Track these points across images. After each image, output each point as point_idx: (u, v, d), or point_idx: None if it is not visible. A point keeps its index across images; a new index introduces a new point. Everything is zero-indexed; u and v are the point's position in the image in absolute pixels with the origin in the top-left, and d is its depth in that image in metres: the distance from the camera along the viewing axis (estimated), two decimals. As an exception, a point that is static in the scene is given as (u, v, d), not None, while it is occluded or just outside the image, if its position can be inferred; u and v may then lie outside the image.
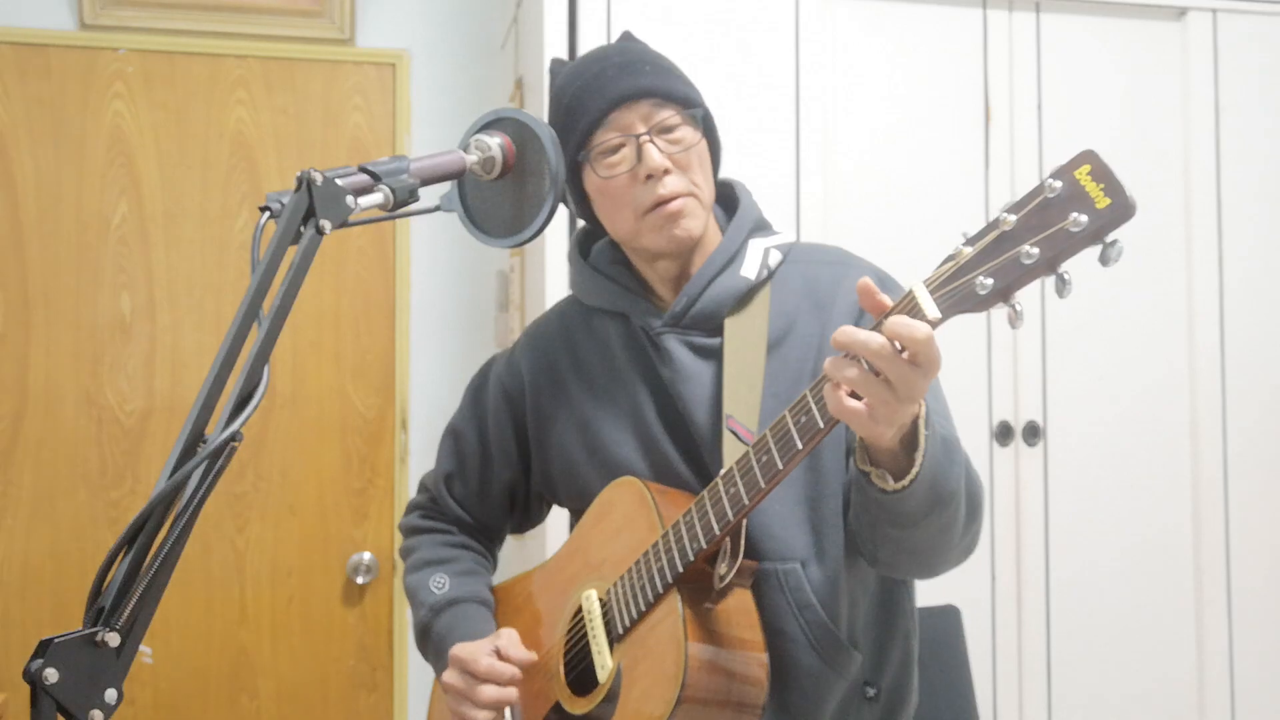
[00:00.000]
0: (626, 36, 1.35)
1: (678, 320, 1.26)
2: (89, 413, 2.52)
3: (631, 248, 1.30)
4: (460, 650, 1.26)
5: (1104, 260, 0.84)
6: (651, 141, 1.21)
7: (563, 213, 1.99)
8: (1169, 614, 2.28)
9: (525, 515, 1.48)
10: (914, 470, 1.00)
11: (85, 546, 2.50)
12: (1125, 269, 2.27)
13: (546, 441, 1.37)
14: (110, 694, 0.73)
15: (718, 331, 1.25)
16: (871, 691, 1.23)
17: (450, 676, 1.26)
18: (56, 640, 0.71)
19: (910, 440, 1.01)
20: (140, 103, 2.57)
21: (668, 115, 1.23)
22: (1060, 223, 0.84)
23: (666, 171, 1.22)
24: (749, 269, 1.26)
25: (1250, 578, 2.30)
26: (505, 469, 1.42)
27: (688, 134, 1.24)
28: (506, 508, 1.46)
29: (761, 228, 1.31)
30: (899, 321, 0.89)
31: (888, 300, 0.94)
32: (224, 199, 2.60)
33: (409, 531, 1.49)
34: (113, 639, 0.73)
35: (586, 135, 1.24)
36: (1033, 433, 2.23)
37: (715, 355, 1.25)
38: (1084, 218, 0.83)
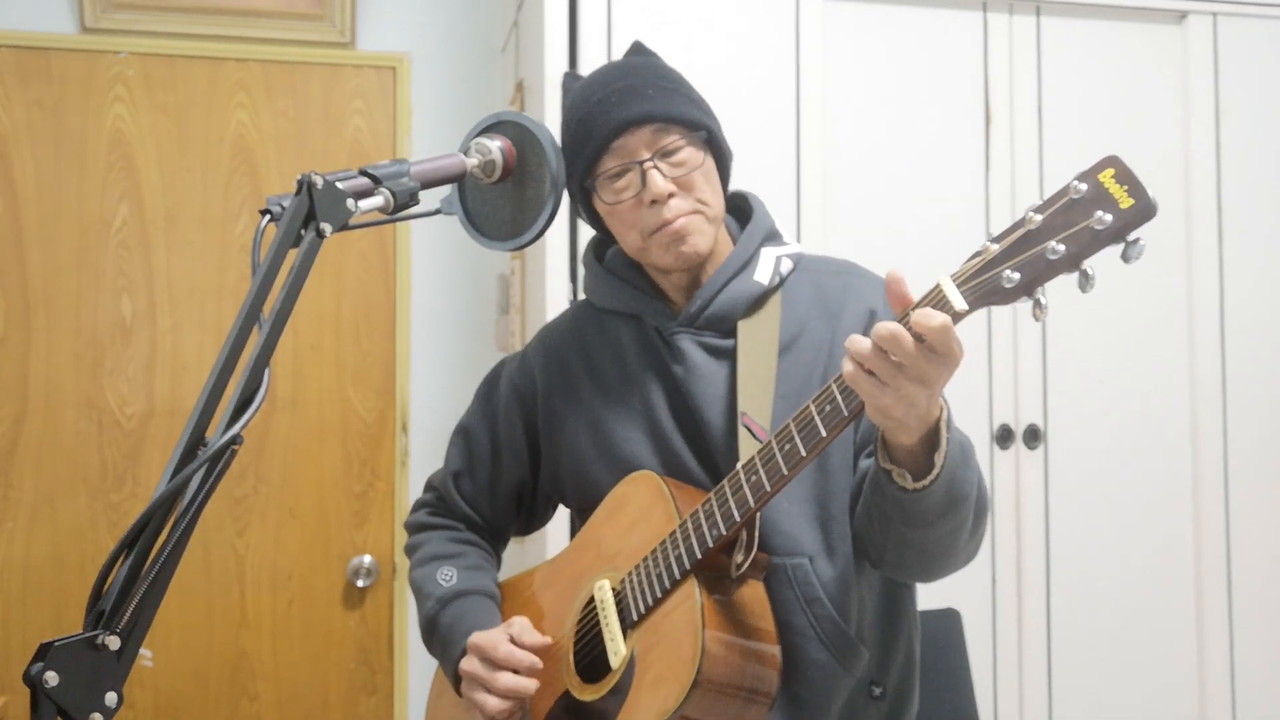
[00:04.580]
0: (635, 49, 1.36)
1: (692, 321, 1.29)
2: (89, 416, 2.52)
3: (643, 262, 1.33)
4: (479, 638, 1.27)
5: (1126, 258, 0.88)
6: (656, 167, 1.23)
7: (563, 216, 2.00)
8: (1170, 617, 2.28)
9: (531, 517, 1.49)
10: (935, 471, 1.02)
11: (85, 549, 2.50)
12: (1125, 272, 2.27)
13: (557, 440, 1.39)
14: (110, 697, 0.73)
15: (731, 333, 1.28)
16: (878, 690, 1.25)
17: (469, 664, 1.27)
18: (57, 643, 0.71)
19: (931, 441, 1.03)
20: (141, 106, 2.57)
21: (671, 139, 1.24)
22: (1085, 221, 0.88)
23: (671, 195, 1.24)
24: (762, 274, 1.30)
25: (1251, 580, 2.30)
26: (514, 468, 1.43)
27: (691, 155, 1.26)
28: (514, 507, 1.47)
29: (773, 237, 1.35)
30: (920, 312, 0.93)
31: (911, 295, 0.97)
32: (225, 202, 2.60)
33: (415, 528, 1.50)
34: (113, 642, 0.73)
35: (592, 162, 1.26)
36: (1033, 436, 2.23)
37: (729, 356, 1.27)
38: (1109, 217, 0.88)
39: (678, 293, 1.33)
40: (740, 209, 1.39)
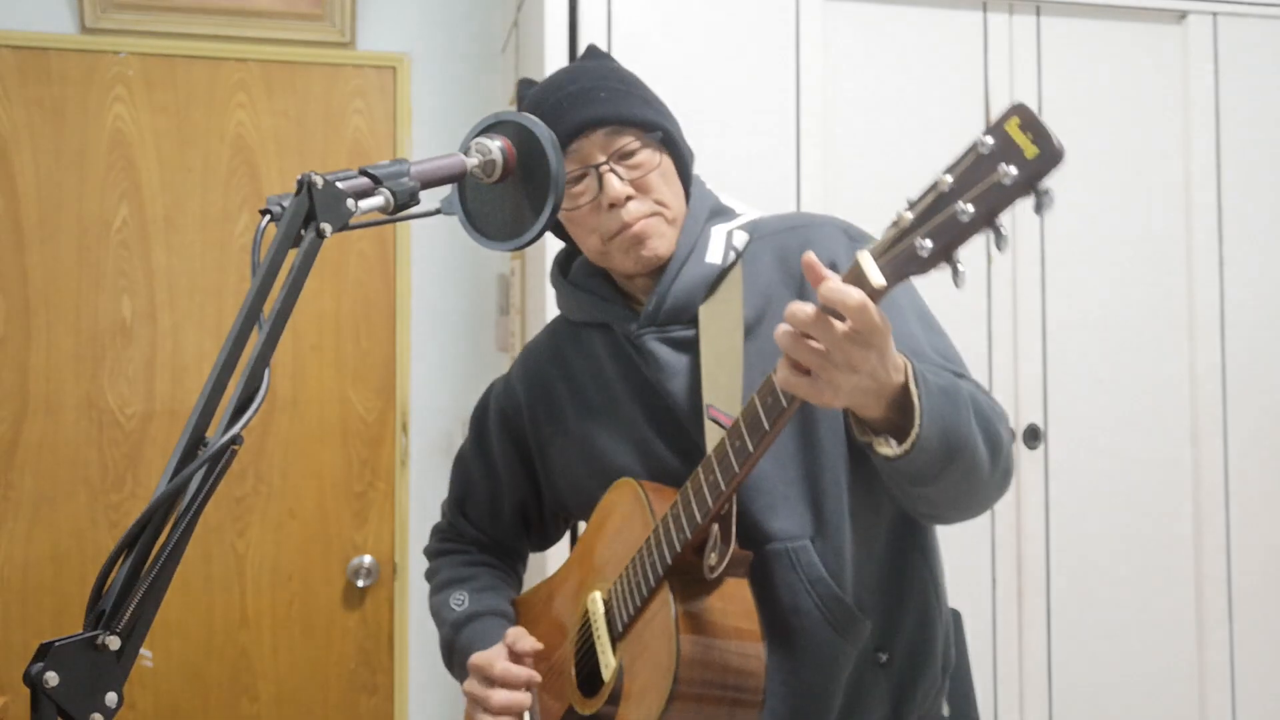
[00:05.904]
0: (589, 54, 1.35)
1: (653, 319, 1.27)
2: (90, 416, 2.52)
3: (606, 267, 1.31)
4: (477, 658, 1.27)
5: (1037, 209, 0.84)
6: (612, 170, 1.22)
7: (563, 216, 1.99)
8: (1170, 617, 2.28)
9: (543, 534, 1.50)
10: (913, 433, 0.97)
11: (86, 549, 2.50)
12: (1126, 272, 2.28)
13: (549, 460, 1.39)
14: (111, 697, 0.73)
15: (694, 322, 1.25)
16: (884, 657, 1.22)
17: (469, 685, 1.27)
18: (57, 644, 0.71)
19: (904, 403, 0.98)
20: (141, 106, 2.57)
21: (626, 141, 1.23)
22: (991, 176, 0.84)
23: (629, 198, 1.22)
24: (714, 254, 1.26)
25: (1251, 581, 2.30)
26: (513, 489, 1.44)
27: (647, 156, 1.24)
28: (521, 527, 1.47)
29: (720, 213, 1.31)
30: (832, 288, 0.89)
31: (828, 274, 0.92)
32: (224, 202, 2.60)
33: (431, 556, 1.52)
34: (113, 642, 0.73)
35: None
36: (1034, 435, 2.23)
37: (693, 346, 1.25)
38: (1014, 169, 0.83)
39: (645, 295, 1.31)
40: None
